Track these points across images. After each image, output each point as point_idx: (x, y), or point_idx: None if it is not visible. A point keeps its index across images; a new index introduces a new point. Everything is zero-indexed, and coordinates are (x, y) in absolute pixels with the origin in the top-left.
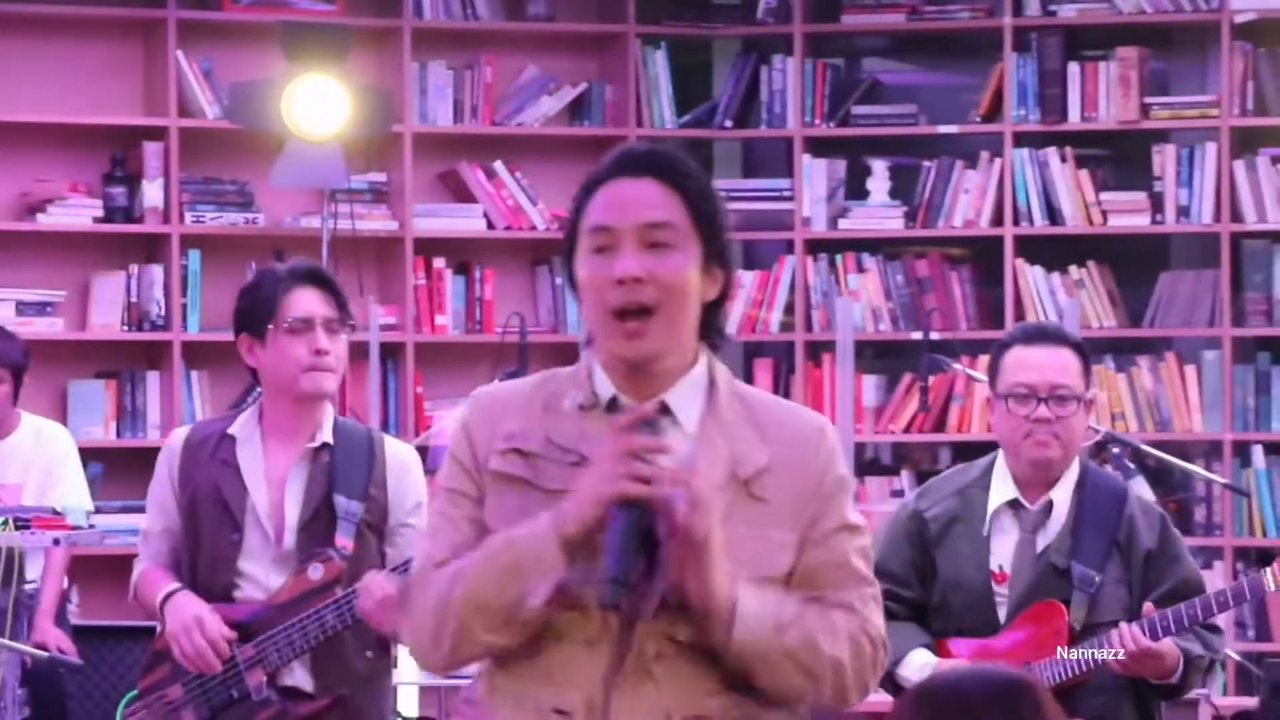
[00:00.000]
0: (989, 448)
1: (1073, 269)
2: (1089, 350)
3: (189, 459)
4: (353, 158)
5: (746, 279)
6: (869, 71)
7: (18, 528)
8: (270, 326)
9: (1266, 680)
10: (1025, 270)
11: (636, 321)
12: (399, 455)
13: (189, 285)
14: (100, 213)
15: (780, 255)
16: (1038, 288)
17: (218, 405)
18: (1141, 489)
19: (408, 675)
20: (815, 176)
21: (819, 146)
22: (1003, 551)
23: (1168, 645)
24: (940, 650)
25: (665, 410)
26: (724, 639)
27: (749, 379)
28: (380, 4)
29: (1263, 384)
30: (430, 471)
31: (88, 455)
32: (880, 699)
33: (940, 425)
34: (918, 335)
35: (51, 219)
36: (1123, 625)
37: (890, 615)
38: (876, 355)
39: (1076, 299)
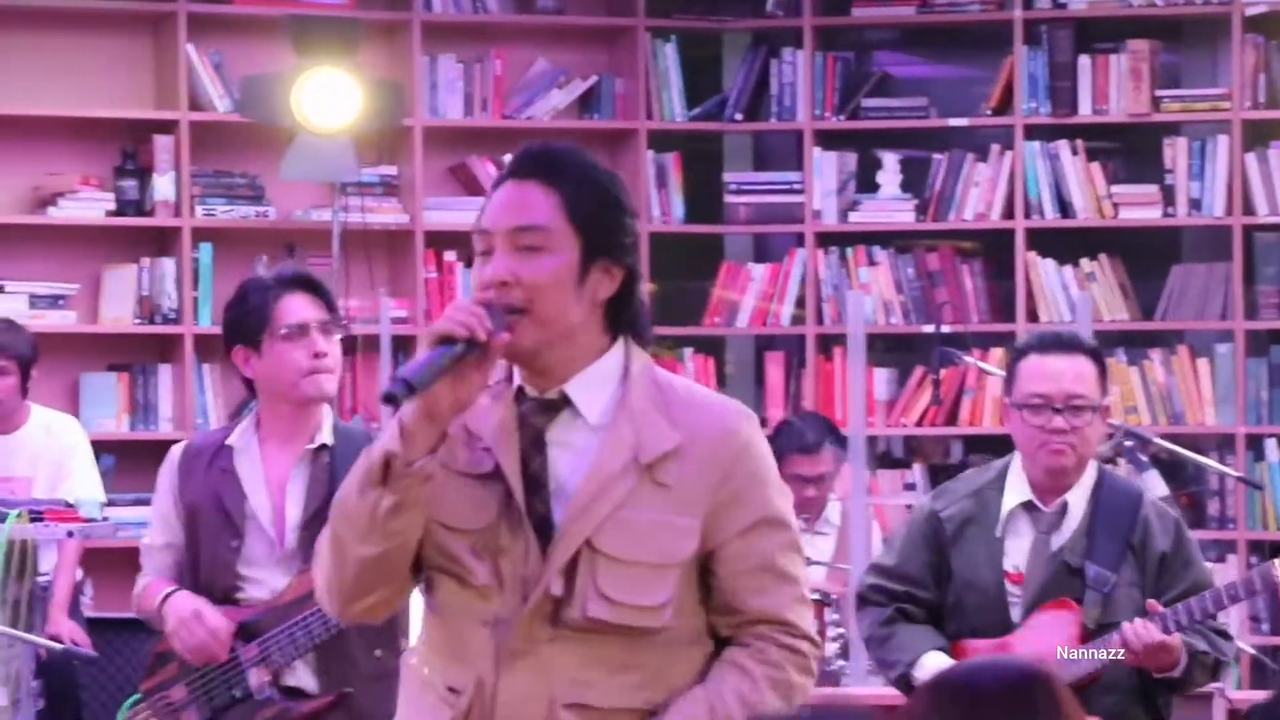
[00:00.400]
0: (1001, 441)
1: (1084, 262)
2: (1101, 344)
3: (187, 470)
4: (363, 151)
5: (757, 272)
6: (879, 64)
7: (31, 520)
8: (265, 335)
9: None
10: (1037, 263)
11: (510, 322)
12: None
13: (200, 278)
14: (112, 206)
15: (791, 248)
16: (1049, 281)
17: (229, 399)
18: (1155, 483)
19: None
20: (826, 169)
21: (829, 139)
22: (1017, 552)
23: (1174, 639)
24: (955, 652)
25: (566, 401)
26: None
27: (760, 372)
28: None
29: (1276, 377)
30: None
31: (100, 448)
32: (888, 691)
33: (952, 418)
34: (929, 328)
35: (63, 212)
36: (1135, 620)
37: (908, 618)
38: (888, 348)
39: (1088, 292)
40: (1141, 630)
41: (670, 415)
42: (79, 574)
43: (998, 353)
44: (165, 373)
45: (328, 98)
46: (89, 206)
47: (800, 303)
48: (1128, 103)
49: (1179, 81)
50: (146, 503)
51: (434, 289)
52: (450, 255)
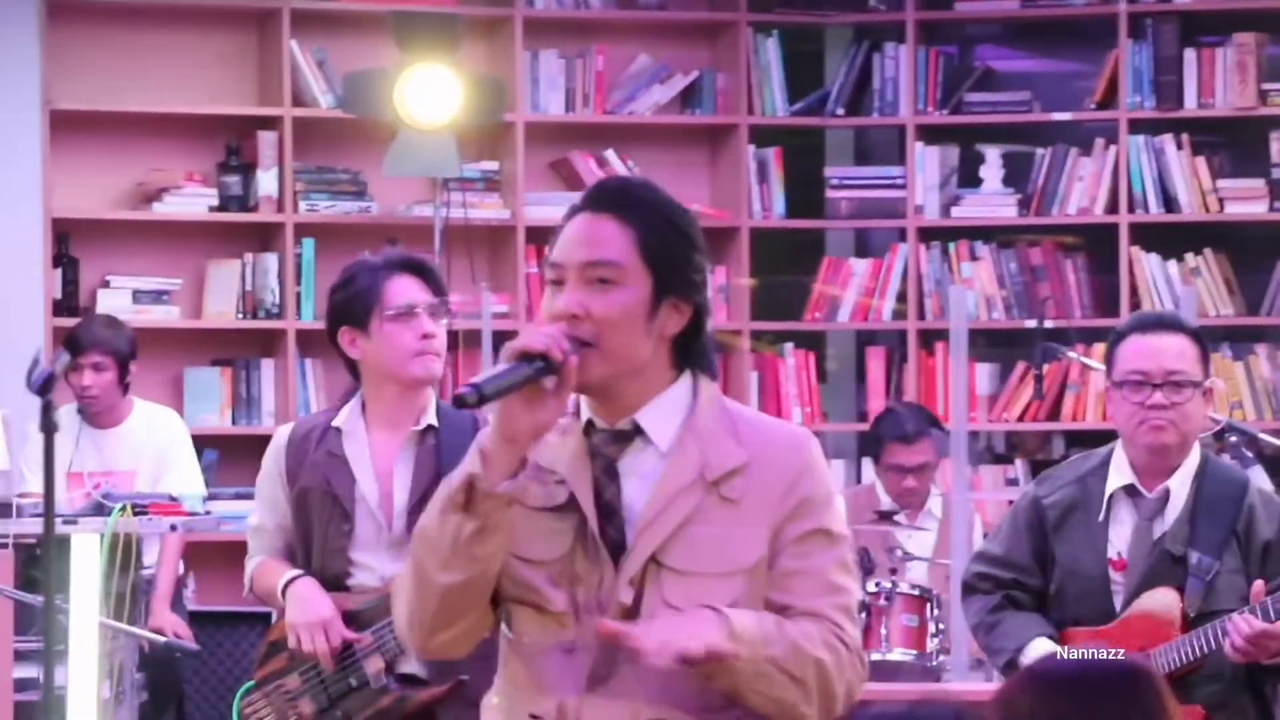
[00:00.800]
0: (1104, 436)
1: (1189, 256)
2: (1206, 338)
3: (295, 454)
4: (465, 146)
5: (859, 267)
6: (982, 58)
7: (135, 514)
8: (373, 316)
9: None
10: (1141, 258)
11: (580, 354)
12: None
13: (303, 274)
14: (215, 202)
15: (893, 243)
16: (1153, 275)
17: (331, 393)
18: (1259, 479)
19: None
20: (928, 164)
21: (931, 134)
22: (1120, 539)
23: (1278, 626)
24: (1061, 640)
25: (638, 430)
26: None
27: (861, 367)
28: None
29: None
30: None
31: (202, 443)
32: (989, 687)
33: (1054, 414)
34: (1032, 323)
35: (167, 208)
36: (1236, 617)
37: (1015, 605)
38: (990, 343)
39: (1193, 287)
40: (1243, 624)
41: (737, 435)
42: (181, 568)
43: (1100, 348)
44: (268, 367)
45: (430, 93)
46: (193, 202)
47: (902, 298)
48: (1233, 96)
49: None
50: (249, 497)
51: (535, 284)
52: None
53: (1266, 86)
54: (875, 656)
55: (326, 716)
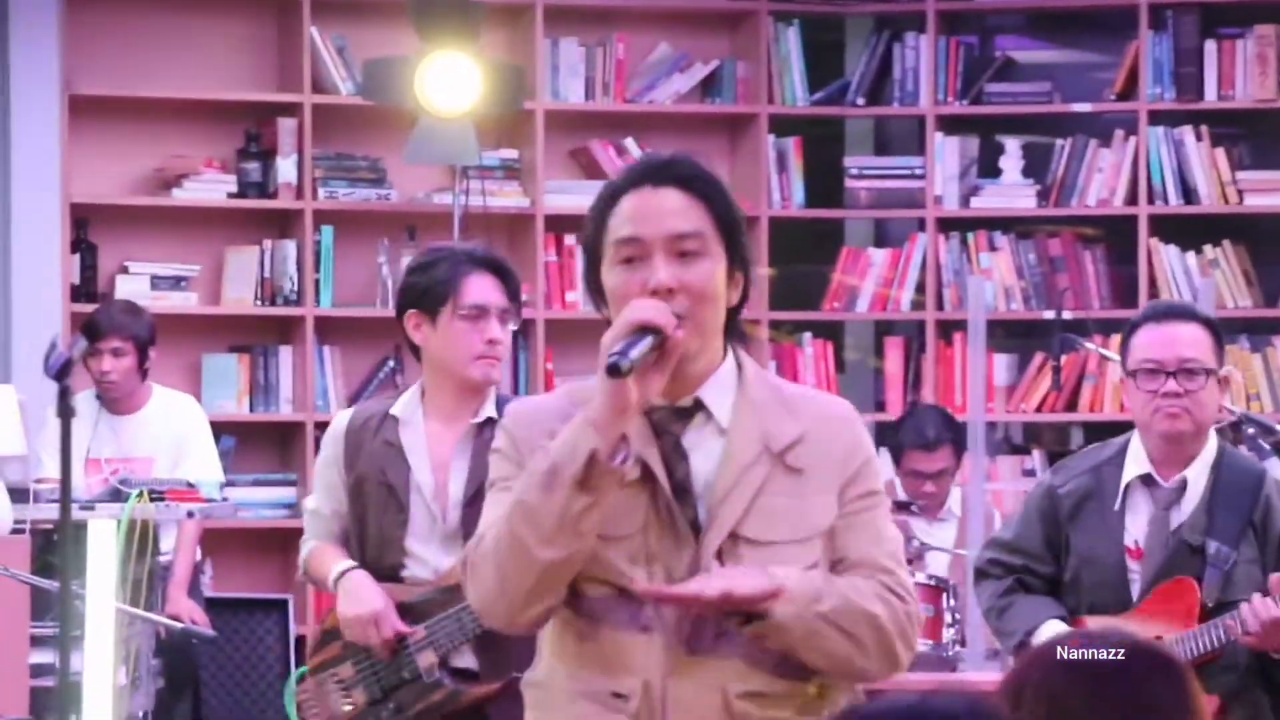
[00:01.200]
0: (1121, 427)
1: (1208, 248)
2: (1224, 331)
3: (354, 441)
4: (484, 134)
5: (878, 257)
6: (1002, 49)
7: (152, 500)
8: (445, 308)
9: None
10: (1159, 249)
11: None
12: None
13: (322, 261)
14: (234, 188)
15: (912, 233)
16: (1172, 267)
17: (349, 380)
18: (1277, 470)
19: None
20: (947, 154)
21: (951, 124)
22: (1136, 528)
23: None
24: (1075, 626)
25: (700, 407)
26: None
27: (879, 357)
28: None
29: None
30: None
31: (220, 429)
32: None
33: (1072, 405)
34: (1050, 314)
35: (186, 194)
36: (1254, 597)
37: (1026, 589)
38: (1008, 334)
39: (1211, 278)
40: (1260, 608)
41: (787, 406)
42: (199, 554)
43: (1119, 339)
44: (285, 354)
45: (449, 81)
46: (212, 189)
47: (920, 288)
48: (1254, 88)
49: None
50: (266, 484)
51: (554, 272)
52: (570, 239)
53: None
54: None
55: (380, 707)
